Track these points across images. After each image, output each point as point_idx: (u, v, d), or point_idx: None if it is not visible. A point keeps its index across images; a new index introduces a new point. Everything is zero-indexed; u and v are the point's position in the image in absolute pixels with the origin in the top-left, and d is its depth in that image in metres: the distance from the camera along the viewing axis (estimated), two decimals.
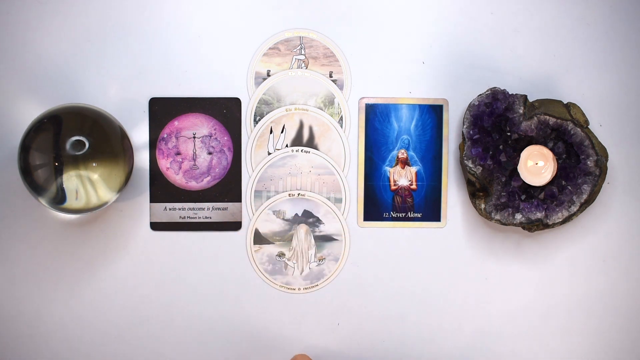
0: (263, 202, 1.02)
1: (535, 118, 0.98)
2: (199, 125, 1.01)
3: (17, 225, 1.01)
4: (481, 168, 0.99)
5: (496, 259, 1.02)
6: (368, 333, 1.02)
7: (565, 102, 1.00)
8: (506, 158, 0.99)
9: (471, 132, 0.99)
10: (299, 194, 1.02)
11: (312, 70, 1.02)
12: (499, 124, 0.99)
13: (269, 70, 1.02)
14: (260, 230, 1.02)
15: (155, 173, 1.01)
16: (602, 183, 0.99)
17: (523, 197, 0.99)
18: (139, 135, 1.01)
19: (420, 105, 1.02)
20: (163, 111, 1.01)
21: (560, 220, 0.99)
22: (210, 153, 1.02)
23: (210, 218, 1.02)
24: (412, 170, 1.02)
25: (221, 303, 1.02)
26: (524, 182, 0.98)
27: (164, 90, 1.01)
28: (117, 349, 1.02)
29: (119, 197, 1.01)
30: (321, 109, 1.02)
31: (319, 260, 1.02)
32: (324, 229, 1.02)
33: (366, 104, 1.02)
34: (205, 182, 1.02)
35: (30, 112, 1.00)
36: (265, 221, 1.02)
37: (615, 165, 1.02)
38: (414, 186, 1.02)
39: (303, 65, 1.02)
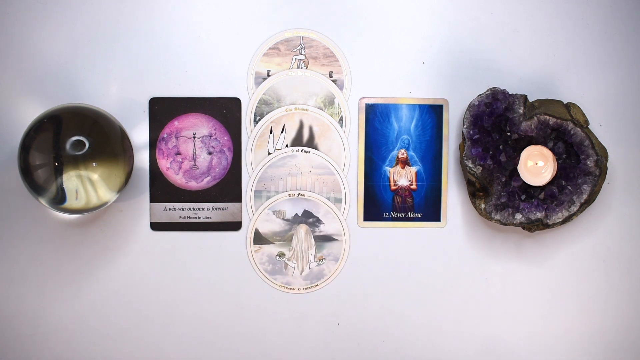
0: (263, 202, 1.02)
1: (535, 118, 0.98)
2: (199, 125, 1.01)
3: (17, 225, 1.01)
4: (481, 168, 0.99)
5: (496, 259, 1.02)
6: (368, 333, 1.02)
7: (565, 102, 1.00)
8: (506, 158, 0.99)
9: (471, 132, 0.99)
10: (299, 194, 1.02)
11: (312, 70, 1.02)
12: (499, 124, 0.99)
13: (269, 70, 1.02)
14: (260, 230, 1.02)
15: (155, 173, 1.01)
16: (602, 183, 0.99)
17: (523, 197, 0.99)
18: (139, 135, 1.01)
19: (420, 105, 1.02)
20: (163, 111, 1.01)
21: (560, 220, 0.99)
22: (210, 153, 1.02)
23: (210, 218, 1.02)
24: (412, 170, 1.02)
25: (221, 303, 1.02)
26: (524, 182, 0.98)
27: (164, 90, 1.01)
28: (117, 349, 1.02)
29: (119, 197, 1.01)
30: (321, 109, 1.02)
31: (319, 260, 1.02)
32: (324, 229, 1.02)
33: (366, 104, 1.02)
34: (205, 182, 1.02)
35: (30, 112, 1.00)
36: (265, 221, 1.02)
37: (615, 165, 1.02)
38: (414, 186, 1.02)
39: (303, 65, 1.02)
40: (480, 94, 0.99)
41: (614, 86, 1.02)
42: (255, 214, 1.02)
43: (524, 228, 1.00)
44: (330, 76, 1.02)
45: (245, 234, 1.02)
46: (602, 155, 0.98)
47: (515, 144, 0.99)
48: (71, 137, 0.93)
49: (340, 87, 1.02)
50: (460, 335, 1.03)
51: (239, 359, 1.02)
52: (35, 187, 0.94)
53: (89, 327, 1.01)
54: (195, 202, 1.01)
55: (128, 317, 1.01)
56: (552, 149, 0.98)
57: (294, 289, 1.02)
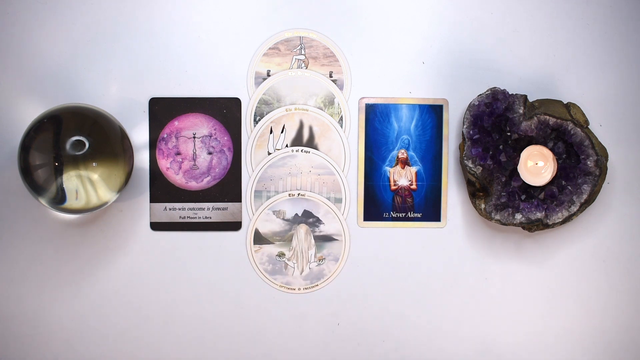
0: (263, 202, 1.02)
1: (535, 118, 0.98)
2: (199, 125, 1.01)
3: (17, 225, 1.01)
4: (481, 168, 0.99)
5: (496, 259, 1.02)
6: (368, 333, 1.02)
7: (565, 102, 1.00)
8: (506, 158, 0.99)
9: (471, 132, 0.99)
10: (299, 194, 1.02)
11: (312, 70, 1.02)
12: (499, 124, 0.99)
13: (269, 70, 1.02)
14: (260, 230, 1.02)
15: (155, 173, 1.01)
16: (602, 183, 0.99)
17: (523, 197, 0.99)
18: (139, 135, 1.01)
19: (420, 105, 1.02)
20: (163, 111, 1.01)
21: (560, 220, 0.99)
22: (210, 153, 1.02)
23: (210, 218, 1.02)
24: (412, 170, 1.02)
25: (221, 303, 1.02)
26: (524, 182, 0.98)
27: (164, 90, 1.01)
28: (117, 349, 1.02)
29: (119, 197, 1.01)
30: (321, 109, 1.02)
31: (319, 260, 1.02)
32: (324, 229, 1.02)
33: (366, 104, 1.02)
34: (205, 182, 1.02)
35: (30, 112, 1.00)
36: (265, 221, 1.02)
37: (615, 165, 1.02)
38: (414, 186, 1.02)
39: (303, 65, 1.02)
40: (480, 94, 0.99)
41: (614, 86, 1.02)
42: (255, 214, 1.02)
43: (524, 228, 1.00)
44: (330, 76, 1.02)
45: (245, 234, 1.02)
46: (602, 155, 0.98)
47: (515, 144, 0.99)
48: (71, 137, 0.93)
49: (340, 87, 1.02)
50: (460, 335, 1.03)
51: (239, 359, 1.02)
52: (35, 187, 0.94)
53: (89, 327, 1.01)
54: (195, 202, 1.01)
55: (128, 317, 1.01)
56: (552, 149, 0.98)
57: (294, 289, 1.02)
